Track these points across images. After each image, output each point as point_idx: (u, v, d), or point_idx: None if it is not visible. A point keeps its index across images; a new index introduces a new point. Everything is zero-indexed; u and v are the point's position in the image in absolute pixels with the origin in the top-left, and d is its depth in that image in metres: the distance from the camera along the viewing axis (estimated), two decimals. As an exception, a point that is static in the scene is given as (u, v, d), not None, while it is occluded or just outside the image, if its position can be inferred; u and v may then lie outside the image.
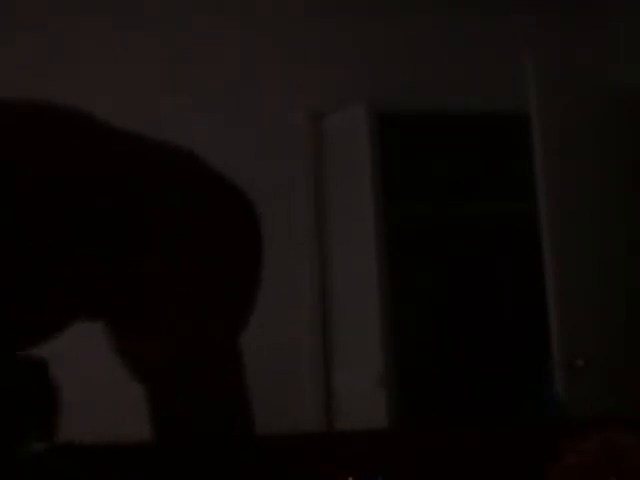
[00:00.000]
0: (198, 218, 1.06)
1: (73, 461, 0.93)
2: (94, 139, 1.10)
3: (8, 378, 0.93)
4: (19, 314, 0.91)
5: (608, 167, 3.57)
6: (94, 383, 2.94)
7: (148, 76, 3.81)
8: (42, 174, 0.92)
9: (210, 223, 1.09)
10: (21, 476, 0.78)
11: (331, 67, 3.92)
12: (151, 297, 0.97)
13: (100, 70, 3.80)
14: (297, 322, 3.66)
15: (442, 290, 4.65)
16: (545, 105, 3.36)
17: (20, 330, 0.94)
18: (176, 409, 1.04)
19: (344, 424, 3.43)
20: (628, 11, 3.95)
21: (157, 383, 1.03)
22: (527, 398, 3.53)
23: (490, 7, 4.00)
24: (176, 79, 3.81)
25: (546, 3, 4.03)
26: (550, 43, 4.01)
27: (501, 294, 4.66)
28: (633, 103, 3.77)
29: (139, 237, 1.00)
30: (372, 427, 2.75)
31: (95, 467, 0.91)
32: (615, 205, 3.55)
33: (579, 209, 3.39)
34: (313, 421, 3.48)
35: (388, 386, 3.37)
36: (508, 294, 4.63)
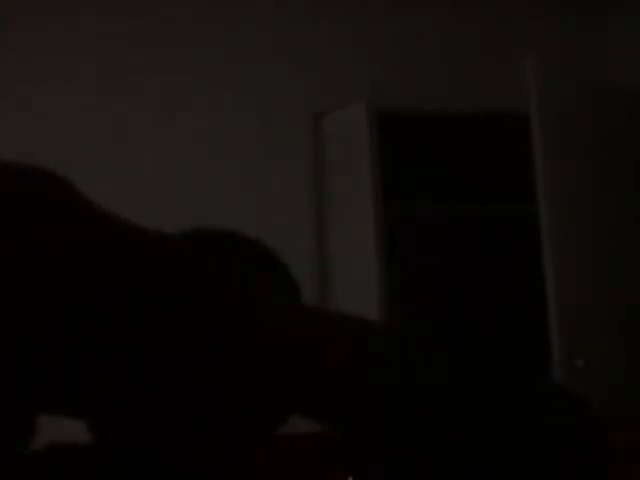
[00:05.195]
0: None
1: (73, 461, 0.92)
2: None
3: None
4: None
5: (608, 167, 3.57)
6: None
7: (150, 77, 3.81)
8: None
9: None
10: (21, 476, 0.78)
11: (331, 67, 3.92)
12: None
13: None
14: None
15: (442, 290, 4.66)
16: (545, 105, 3.36)
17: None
18: None
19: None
20: (628, 11, 3.96)
21: None
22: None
23: (490, 7, 4.01)
24: (175, 79, 3.81)
25: (546, 3, 4.04)
26: (550, 43, 4.01)
27: (501, 294, 4.66)
28: (633, 103, 3.77)
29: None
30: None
31: (96, 466, 0.91)
32: (615, 205, 3.55)
33: (579, 209, 3.39)
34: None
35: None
36: (508, 294, 4.63)
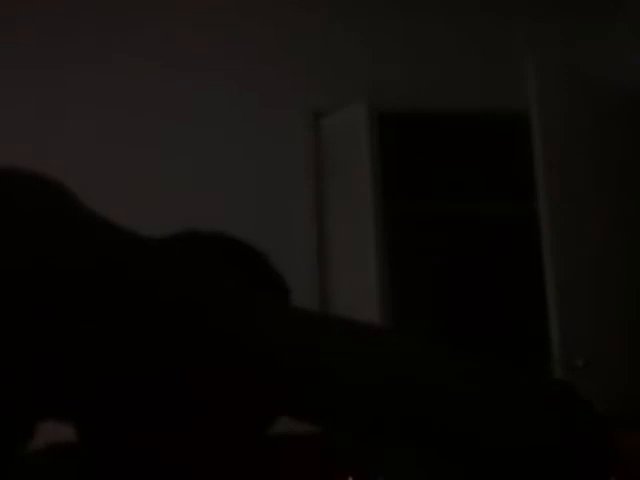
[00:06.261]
0: None
1: (72, 461, 0.92)
2: None
3: None
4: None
5: (608, 167, 3.57)
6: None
7: (150, 77, 3.81)
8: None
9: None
10: (20, 476, 0.78)
11: (331, 67, 3.92)
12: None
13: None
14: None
15: (442, 290, 4.66)
16: (545, 105, 3.36)
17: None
18: None
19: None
20: (628, 11, 3.96)
21: None
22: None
23: (490, 7, 4.01)
24: (175, 78, 3.81)
25: (546, 3, 4.04)
26: (550, 43, 4.01)
27: (501, 294, 4.66)
28: (633, 103, 3.77)
29: None
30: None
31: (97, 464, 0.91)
32: (615, 205, 3.55)
33: (579, 209, 3.39)
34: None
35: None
36: (508, 294, 4.63)
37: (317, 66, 3.92)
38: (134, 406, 0.83)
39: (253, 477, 0.93)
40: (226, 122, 3.81)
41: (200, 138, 3.79)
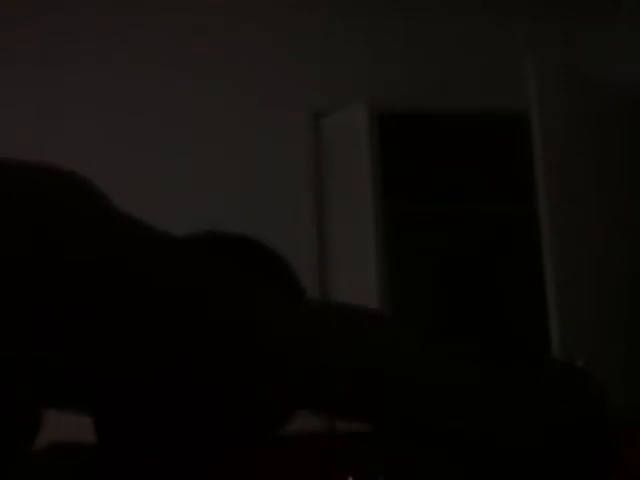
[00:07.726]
0: None
1: (72, 461, 0.92)
2: None
3: None
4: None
5: (608, 167, 3.57)
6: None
7: (150, 77, 3.81)
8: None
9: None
10: (20, 476, 0.78)
11: (331, 67, 3.92)
12: None
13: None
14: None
15: (442, 290, 4.66)
16: (545, 105, 3.36)
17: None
18: None
19: (344, 423, 3.42)
20: (628, 11, 3.96)
21: None
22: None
23: (490, 7, 4.01)
24: (175, 78, 3.81)
25: (546, 3, 4.03)
26: (550, 43, 4.01)
27: (501, 294, 4.66)
28: (633, 103, 3.77)
29: None
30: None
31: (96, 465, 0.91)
32: (615, 205, 3.55)
33: (579, 209, 3.39)
34: (313, 421, 3.47)
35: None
36: (508, 294, 4.63)
37: (317, 66, 3.91)
38: (136, 404, 0.83)
39: (253, 477, 0.93)
40: (226, 122, 3.81)
41: (200, 138, 3.79)
